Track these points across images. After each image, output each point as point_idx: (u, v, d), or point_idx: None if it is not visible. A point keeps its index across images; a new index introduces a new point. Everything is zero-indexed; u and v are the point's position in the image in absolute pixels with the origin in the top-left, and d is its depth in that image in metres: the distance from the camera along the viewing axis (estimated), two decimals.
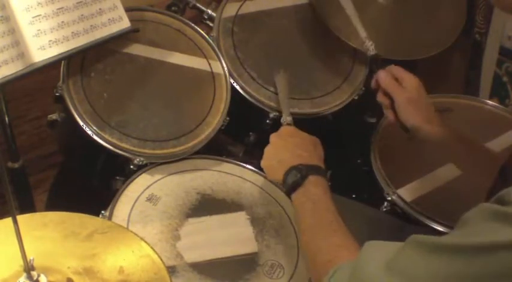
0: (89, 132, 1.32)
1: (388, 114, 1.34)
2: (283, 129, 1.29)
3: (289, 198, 1.14)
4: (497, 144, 1.54)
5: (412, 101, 1.30)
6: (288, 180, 1.12)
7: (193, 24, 1.55)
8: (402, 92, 1.31)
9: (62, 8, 1.26)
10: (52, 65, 1.26)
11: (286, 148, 1.20)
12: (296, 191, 1.11)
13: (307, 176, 1.10)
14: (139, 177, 1.34)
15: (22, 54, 1.20)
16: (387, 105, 1.34)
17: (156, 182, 1.34)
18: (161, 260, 0.90)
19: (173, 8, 1.67)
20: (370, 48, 1.49)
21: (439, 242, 0.77)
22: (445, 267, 0.75)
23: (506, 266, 0.71)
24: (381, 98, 1.35)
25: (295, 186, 1.11)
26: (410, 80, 1.32)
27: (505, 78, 1.99)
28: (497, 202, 0.75)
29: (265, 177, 1.42)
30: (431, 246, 0.77)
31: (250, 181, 1.41)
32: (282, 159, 1.18)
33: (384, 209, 1.42)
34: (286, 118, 1.39)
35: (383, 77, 1.34)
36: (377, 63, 1.44)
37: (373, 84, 1.39)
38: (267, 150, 1.23)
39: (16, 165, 1.46)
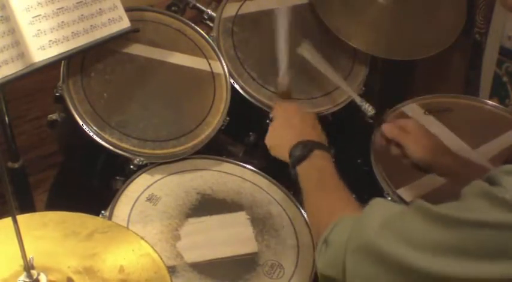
0: (89, 132, 1.32)
1: (405, 162, 1.36)
2: (288, 107, 1.35)
3: (294, 170, 1.16)
4: (497, 144, 1.54)
5: (419, 141, 1.34)
6: (295, 153, 1.16)
7: (193, 24, 1.55)
8: (408, 136, 1.34)
9: (62, 8, 1.26)
10: (52, 65, 1.26)
11: (291, 127, 1.27)
12: (301, 163, 1.14)
13: (313, 149, 1.15)
14: (139, 177, 1.34)
15: (22, 54, 1.20)
16: (401, 154, 1.36)
17: (156, 182, 1.34)
18: (161, 258, 0.90)
19: (173, 8, 1.67)
20: (369, 109, 1.48)
21: (436, 211, 0.80)
22: (438, 236, 0.78)
23: (490, 245, 0.75)
24: (393, 150, 1.37)
25: (301, 159, 1.15)
26: (411, 123, 1.36)
27: (505, 78, 1.99)
28: (488, 181, 0.78)
29: (265, 177, 1.42)
30: (429, 213, 0.80)
31: (250, 181, 1.41)
32: (288, 138, 1.22)
33: None
34: (282, 78, 1.45)
35: (388, 129, 1.36)
36: (378, 120, 1.47)
37: (379, 140, 1.40)
38: (272, 128, 1.30)
39: (16, 165, 1.46)
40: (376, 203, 0.91)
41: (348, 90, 1.53)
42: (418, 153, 1.32)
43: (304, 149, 1.15)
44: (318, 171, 1.12)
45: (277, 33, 1.50)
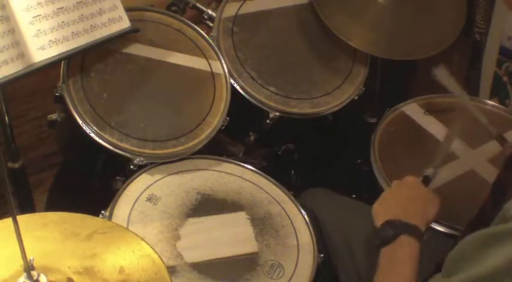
0: (89, 132, 1.32)
1: None
2: (408, 178, 1.25)
3: (378, 249, 1.12)
4: (497, 144, 1.54)
5: None
6: (381, 233, 1.12)
7: (193, 24, 1.55)
8: None
9: (62, 8, 1.26)
10: (52, 65, 1.25)
11: (397, 197, 1.21)
12: (385, 247, 1.11)
13: (399, 233, 1.10)
14: (140, 177, 1.34)
15: (22, 54, 1.20)
16: None
17: (156, 182, 1.34)
18: (161, 259, 0.90)
19: (173, 8, 1.67)
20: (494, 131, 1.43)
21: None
22: None
23: None
24: None
25: (385, 243, 1.11)
26: None
27: (505, 78, 1.99)
28: (502, 221, 0.78)
29: (265, 177, 1.42)
30: None
31: (250, 181, 1.41)
32: (388, 207, 1.18)
33: None
34: (429, 169, 1.30)
35: None
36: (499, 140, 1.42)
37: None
38: (383, 194, 1.23)
39: (16, 165, 1.46)
40: None
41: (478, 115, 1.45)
42: None
43: (390, 232, 1.10)
44: (394, 262, 1.08)
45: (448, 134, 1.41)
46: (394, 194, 1.22)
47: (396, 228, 1.10)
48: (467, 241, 0.83)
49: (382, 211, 1.18)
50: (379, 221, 1.15)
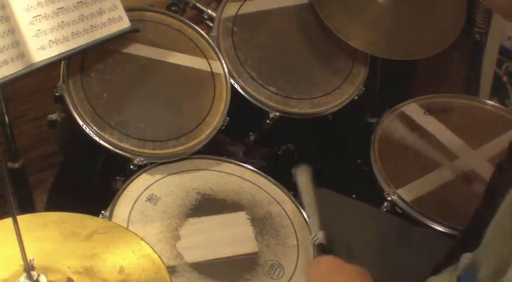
0: (89, 132, 1.32)
1: None
2: (322, 261, 1.11)
3: None
4: (497, 144, 1.54)
5: None
6: None
7: (193, 24, 1.55)
8: None
9: (62, 8, 1.26)
10: (52, 65, 1.25)
11: None
12: None
13: None
14: (140, 177, 1.34)
15: (22, 54, 1.20)
16: None
17: (156, 182, 1.34)
18: (161, 259, 0.90)
19: (173, 8, 1.67)
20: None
21: None
22: None
23: None
24: None
25: None
26: None
27: (505, 78, 1.99)
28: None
29: (265, 177, 1.42)
30: None
31: (250, 181, 1.41)
32: None
33: (384, 209, 1.42)
34: (317, 234, 1.19)
35: None
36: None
37: None
38: None
39: (16, 165, 1.46)
40: None
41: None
42: None
43: None
44: None
45: (301, 189, 1.32)
46: None
47: None
48: None
49: None
50: None
